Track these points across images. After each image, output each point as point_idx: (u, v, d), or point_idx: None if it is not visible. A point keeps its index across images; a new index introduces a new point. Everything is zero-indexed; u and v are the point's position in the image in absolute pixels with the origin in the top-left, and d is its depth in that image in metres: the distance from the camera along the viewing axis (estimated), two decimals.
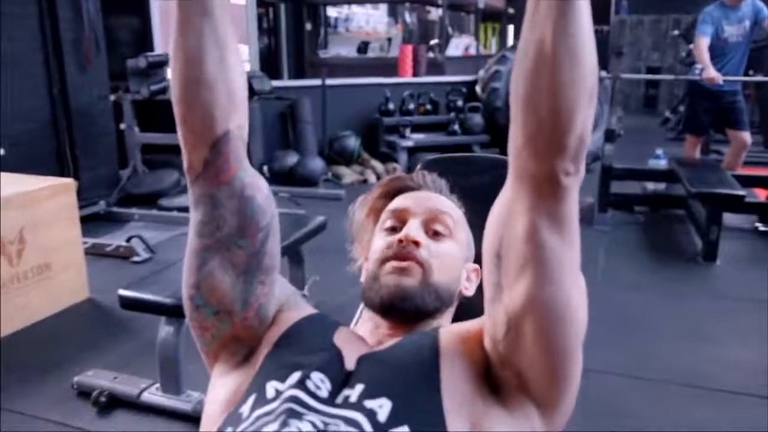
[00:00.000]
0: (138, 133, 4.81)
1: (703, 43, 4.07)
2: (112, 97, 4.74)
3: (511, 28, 11.76)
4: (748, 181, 4.18)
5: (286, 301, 0.91)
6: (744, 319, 2.87)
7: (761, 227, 4.13)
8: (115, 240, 3.76)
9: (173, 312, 2.00)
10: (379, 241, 0.95)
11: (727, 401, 2.21)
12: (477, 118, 6.18)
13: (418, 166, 1.22)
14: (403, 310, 0.87)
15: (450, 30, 9.86)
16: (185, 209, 4.38)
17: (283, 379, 0.76)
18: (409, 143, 5.91)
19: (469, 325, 0.82)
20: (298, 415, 0.70)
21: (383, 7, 10.33)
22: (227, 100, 0.80)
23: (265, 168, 5.57)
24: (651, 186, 4.85)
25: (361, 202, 1.06)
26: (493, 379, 0.75)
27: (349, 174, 5.75)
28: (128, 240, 3.64)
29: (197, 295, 0.83)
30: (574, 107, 0.65)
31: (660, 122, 8.66)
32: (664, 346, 2.63)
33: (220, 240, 0.82)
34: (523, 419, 0.74)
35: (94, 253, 3.52)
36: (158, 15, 6.36)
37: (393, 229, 0.95)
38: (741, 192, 3.68)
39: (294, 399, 0.73)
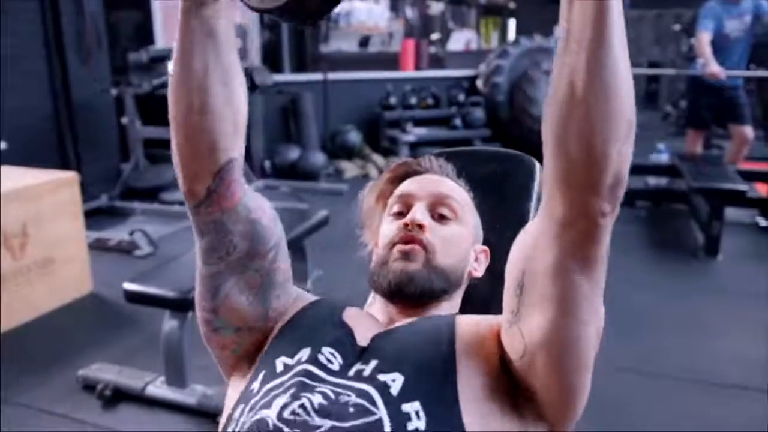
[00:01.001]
0: (140, 127, 4.81)
1: (704, 38, 4.06)
2: (114, 91, 4.74)
3: (512, 22, 11.71)
4: (749, 176, 4.18)
5: (296, 296, 0.92)
6: (746, 314, 2.87)
7: (762, 222, 4.14)
8: (117, 234, 3.77)
9: (178, 305, 2.01)
10: (387, 227, 0.96)
11: (729, 395, 2.22)
12: (478, 113, 6.18)
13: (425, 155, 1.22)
14: (410, 293, 0.88)
15: (451, 24, 9.84)
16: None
17: (292, 355, 0.78)
18: (411, 138, 5.91)
19: (485, 324, 0.81)
20: (309, 387, 0.72)
21: (384, 2, 10.30)
22: (233, 129, 0.78)
23: (267, 162, 5.57)
24: (653, 181, 4.85)
25: (370, 188, 1.07)
26: (506, 384, 0.75)
27: (350, 168, 5.75)
28: (131, 234, 3.65)
29: (216, 319, 0.85)
30: (609, 144, 0.61)
31: (661, 117, 8.65)
32: (665, 340, 2.63)
33: (230, 264, 0.82)
34: (532, 425, 0.74)
35: (96, 247, 3.53)
36: (160, 9, 6.35)
37: (400, 214, 0.97)
38: (743, 187, 3.68)
39: (305, 373, 0.74)
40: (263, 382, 0.76)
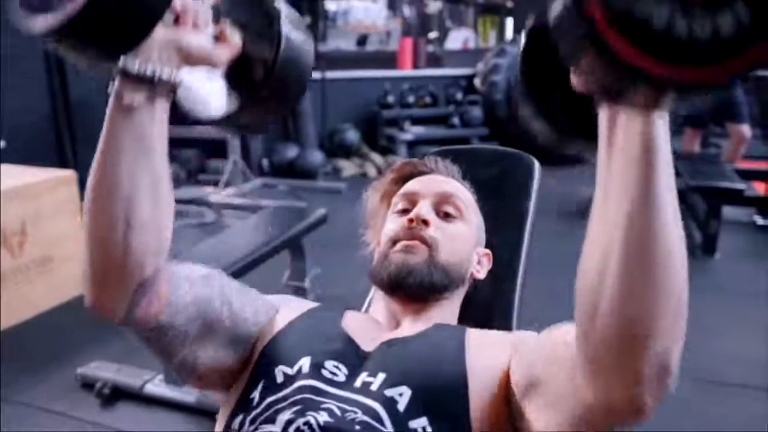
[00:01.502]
0: None
1: None
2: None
3: (510, 21, 11.71)
4: (747, 175, 4.18)
5: (278, 303, 0.90)
6: (744, 313, 2.88)
7: (760, 221, 4.14)
8: None
9: None
10: (391, 223, 0.96)
11: (727, 394, 2.23)
12: (476, 111, 6.18)
13: (431, 152, 1.23)
14: (409, 285, 0.88)
15: (449, 23, 9.84)
16: (184, 201, 4.41)
17: (291, 364, 0.76)
18: (409, 136, 5.91)
19: (495, 351, 0.78)
20: (315, 404, 0.71)
21: (382, 0, 10.30)
22: (157, 241, 0.70)
23: (265, 161, 5.57)
24: None
25: (374, 188, 1.07)
26: (509, 405, 0.73)
27: (348, 167, 5.75)
28: None
29: (200, 384, 0.83)
30: (653, 326, 0.51)
31: None
32: None
33: (193, 346, 0.77)
34: None
35: None
36: None
37: (404, 212, 0.97)
38: (741, 185, 3.68)
39: (310, 389, 0.73)
40: (264, 393, 0.75)
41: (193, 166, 5.32)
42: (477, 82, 6.41)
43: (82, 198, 2.55)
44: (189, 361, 0.77)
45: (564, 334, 0.63)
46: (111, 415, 2.09)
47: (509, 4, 11.50)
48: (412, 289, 0.88)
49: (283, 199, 4.53)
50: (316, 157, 5.55)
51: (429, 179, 1.01)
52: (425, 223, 0.92)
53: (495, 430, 0.72)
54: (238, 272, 2.00)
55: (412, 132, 5.96)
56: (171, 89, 0.66)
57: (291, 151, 5.59)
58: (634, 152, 0.51)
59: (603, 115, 0.53)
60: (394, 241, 0.92)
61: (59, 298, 2.85)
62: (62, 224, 2.91)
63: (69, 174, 3.02)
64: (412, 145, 5.91)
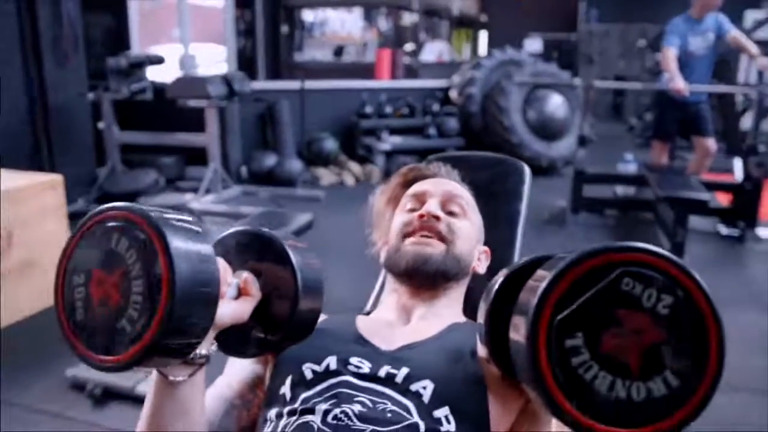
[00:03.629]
0: (117, 132, 4.81)
1: (671, 54, 4.22)
2: (91, 96, 4.74)
3: (483, 34, 11.94)
4: (711, 187, 4.37)
5: None
6: None
7: (724, 230, 4.33)
8: None
9: None
10: (400, 220, 1.04)
11: None
12: (452, 122, 6.31)
13: (429, 157, 1.31)
14: (426, 272, 0.96)
15: (423, 36, 10.00)
16: (166, 208, 4.44)
17: (318, 362, 0.83)
18: (386, 146, 6.00)
19: None
20: (349, 397, 0.78)
21: (358, 12, 10.42)
22: None
23: (243, 168, 5.61)
24: (621, 190, 5.03)
25: (381, 191, 1.16)
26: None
27: (327, 175, 5.82)
28: None
29: None
30: None
31: (626, 129, 8.92)
32: None
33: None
34: None
35: None
36: (136, 15, 6.36)
37: (413, 210, 1.05)
38: (706, 196, 3.86)
39: (342, 383, 0.80)
40: (295, 389, 0.81)
41: (173, 174, 5.33)
42: (453, 93, 6.54)
43: (67, 202, 2.57)
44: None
45: None
46: (104, 415, 2.12)
47: (483, 19, 11.74)
48: (428, 275, 0.97)
49: (263, 206, 4.58)
50: (295, 165, 5.61)
51: (435, 181, 1.10)
52: (436, 218, 1.00)
53: (508, 420, 0.79)
54: None
55: (389, 142, 6.06)
56: (206, 361, 0.71)
57: (269, 160, 5.64)
58: None
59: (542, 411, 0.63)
60: (406, 235, 1.01)
61: (46, 302, 2.86)
62: (48, 228, 2.92)
63: (55, 178, 3.04)
64: (390, 155, 6.01)
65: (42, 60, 4.33)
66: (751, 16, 7.89)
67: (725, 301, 2.75)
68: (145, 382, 2.20)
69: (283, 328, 0.77)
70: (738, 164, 4.39)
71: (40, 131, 4.42)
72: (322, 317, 0.97)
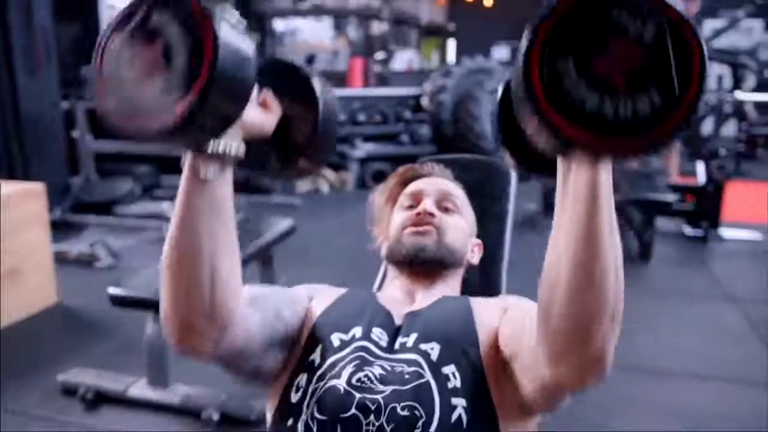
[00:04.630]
0: (91, 141, 4.80)
1: None
2: (65, 105, 4.72)
3: (451, 43, 12.12)
4: (676, 189, 4.54)
5: (310, 292, 1.05)
6: (676, 311, 3.18)
7: (689, 231, 4.51)
8: (76, 246, 3.77)
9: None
10: (399, 216, 1.14)
11: (663, 379, 2.48)
12: (425, 129, 6.43)
13: (420, 159, 1.39)
14: (423, 259, 1.06)
15: (393, 44, 10.12)
16: (142, 217, 4.44)
17: (346, 331, 0.92)
18: (360, 153, 6.08)
19: (493, 307, 0.98)
20: (369, 362, 0.87)
21: (328, 21, 10.50)
22: (235, 291, 0.79)
23: None
24: None
25: (380, 190, 1.25)
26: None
27: (302, 183, 5.87)
28: (91, 245, 3.67)
29: (261, 383, 0.95)
30: (592, 328, 0.67)
31: None
32: None
33: (259, 360, 0.89)
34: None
35: (57, 259, 3.52)
36: (108, 22, 6.32)
37: (411, 207, 1.15)
38: (671, 198, 4.03)
39: (364, 348, 0.89)
40: (324, 355, 0.89)
41: (148, 182, 5.33)
42: (425, 101, 6.65)
43: (49, 210, 2.59)
44: (258, 371, 0.90)
45: (530, 311, 0.79)
46: (97, 419, 2.15)
47: (451, 27, 11.93)
48: (425, 262, 1.06)
49: (242, 213, 4.60)
50: None
51: (430, 181, 1.19)
52: (431, 215, 1.10)
53: (498, 375, 0.88)
54: None
55: (363, 149, 6.14)
56: (236, 159, 0.75)
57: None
58: (581, 194, 0.65)
59: (560, 161, 0.68)
60: (404, 227, 1.10)
61: (29, 309, 2.88)
62: (31, 236, 2.94)
63: (38, 187, 3.05)
64: (364, 162, 6.09)
65: (14, 70, 4.30)
66: (710, 25, 8.18)
67: (693, 296, 2.93)
68: (136, 386, 2.23)
69: (302, 148, 0.82)
70: (701, 167, 4.57)
71: (12, 141, 4.39)
72: (343, 290, 1.06)
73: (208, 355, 0.80)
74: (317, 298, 1.03)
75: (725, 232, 4.46)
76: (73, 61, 5.20)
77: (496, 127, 0.87)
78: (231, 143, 0.73)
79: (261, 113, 0.80)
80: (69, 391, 2.25)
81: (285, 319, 0.93)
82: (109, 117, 0.65)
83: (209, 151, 0.71)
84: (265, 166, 0.85)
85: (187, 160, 0.73)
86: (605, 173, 0.64)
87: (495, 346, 0.90)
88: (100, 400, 2.22)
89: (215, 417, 2.10)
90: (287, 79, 0.84)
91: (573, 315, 0.67)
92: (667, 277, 3.75)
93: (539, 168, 0.83)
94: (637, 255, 3.94)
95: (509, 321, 0.91)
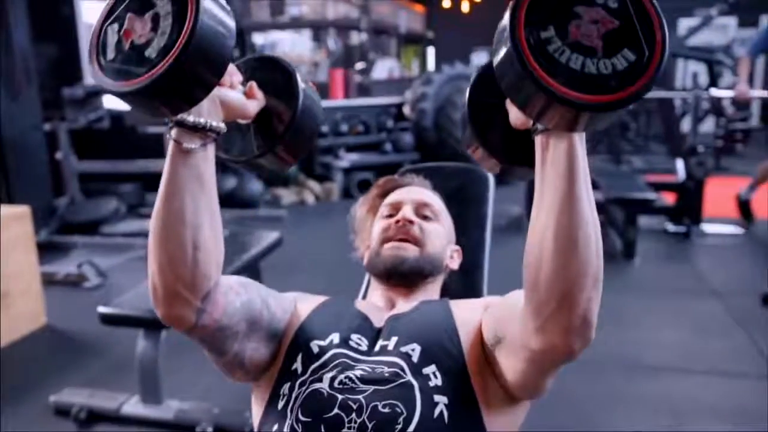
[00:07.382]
0: (75, 162, 4.79)
1: None
2: (47, 126, 4.72)
3: (431, 50, 12.21)
4: (657, 187, 4.62)
5: (295, 297, 1.08)
6: (659, 307, 3.23)
7: (671, 228, 4.58)
8: (64, 267, 3.77)
9: (152, 324, 2.11)
10: (378, 225, 1.18)
11: (651, 375, 2.52)
12: (407, 138, 6.48)
13: (400, 170, 1.43)
14: (402, 272, 1.10)
15: (372, 54, 10.17)
16: (129, 235, 4.44)
17: (323, 338, 0.95)
18: (344, 163, 6.12)
19: (473, 307, 1.01)
20: (350, 366, 0.90)
21: (307, 33, 10.55)
22: (217, 258, 0.82)
23: None
24: None
25: (361, 201, 1.29)
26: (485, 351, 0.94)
27: (287, 195, 5.90)
28: (79, 266, 3.66)
29: (242, 376, 0.96)
30: (576, 294, 0.70)
31: None
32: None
33: (241, 344, 0.91)
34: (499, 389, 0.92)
35: (44, 281, 3.52)
36: (87, 44, 6.32)
37: (390, 216, 1.18)
38: (652, 196, 4.09)
39: (343, 354, 0.92)
40: (305, 363, 0.92)
41: (133, 200, 5.33)
42: (406, 109, 6.71)
43: (35, 232, 2.60)
44: (239, 356, 0.93)
45: (517, 298, 0.84)
46: None
47: (430, 35, 12.02)
48: (405, 275, 1.10)
49: (228, 227, 4.62)
50: (255, 186, 5.67)
51: (408, 190, 1.23)
52: (410, 222, 1.13)
53: (482, 370, 0.92)
54: None
55: (347, 159, 6.17)
56: (218, 135, 0.81)
57: (229, 182, 5.68)
58: (560, 166, 0.70)
59: (537, 141, 0.73)
60: (385, 240, 1.13)
61: (16, 333, 2.88)
62: (18, 259, 2.94)
63: (23, 209, 3.05)
64: (348, 172, 6.12)
65: None
66: (684, 23, 8.32)
67: (677, 291, 2.99)
68: (129, 403, 2.24)
69: (282, 135, 0.86)
70: (680, 165, 4.65)
71: None
72: (324, 298, 1.09)
73: (192, 325, 0.82)
74: (302, 303, 1.06)
75: (707, 228, 4.54)
76: (54, 83, 5.20)
77: (467, 121, 0.90)
78: (212, 119, 0.79)
79: (243, 97, 0.85)
80: (62, 411, 2.26)
81: (271, 308, 0.96)
82: (107, 87, 0.70)
83: (191, 122, 0.76)
84: (245, 151, 0.89)
85: (171, 134, 0.77)
86: (580, 143, 0.70)
87: (477, 343, 0.93)
88: (93, 419, 2.23)
89: (209, 431, 2.11)
90: (272, 74, 0.89)
91: (559, 281, 0.70)
92: (651, 274, 3.80)
93: (511, 158, 0.87)
94: (621, 253, 4.00)
95: (494, 310, 0.94)
